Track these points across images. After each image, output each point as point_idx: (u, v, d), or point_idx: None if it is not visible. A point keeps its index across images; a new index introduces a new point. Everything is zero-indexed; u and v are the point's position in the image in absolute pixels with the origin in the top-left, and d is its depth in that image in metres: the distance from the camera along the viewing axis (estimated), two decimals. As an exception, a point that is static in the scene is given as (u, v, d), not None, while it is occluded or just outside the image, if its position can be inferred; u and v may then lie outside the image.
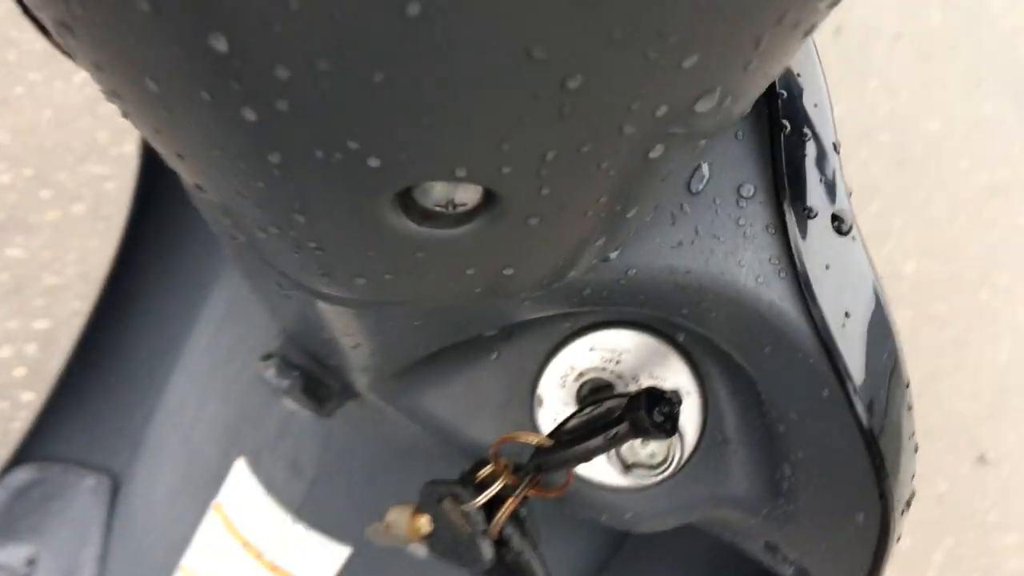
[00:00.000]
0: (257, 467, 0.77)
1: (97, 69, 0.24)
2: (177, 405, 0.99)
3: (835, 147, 0.39)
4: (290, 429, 0.72)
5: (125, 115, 0.27)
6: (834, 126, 0.40)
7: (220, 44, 0.20)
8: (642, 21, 0.19)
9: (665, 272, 0.38)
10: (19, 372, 1.60)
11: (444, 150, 0.23)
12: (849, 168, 0.38)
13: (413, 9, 0.18)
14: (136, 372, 1.11)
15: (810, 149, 0.39)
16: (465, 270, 0.31)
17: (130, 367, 1.11)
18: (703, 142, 0.28)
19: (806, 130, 0.39)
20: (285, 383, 0.49)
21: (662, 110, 0.24)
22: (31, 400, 1.57)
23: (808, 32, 0.24)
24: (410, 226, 0.27)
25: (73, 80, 1.87)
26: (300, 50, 0.19)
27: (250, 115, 0.22)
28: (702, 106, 0.24)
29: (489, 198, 0.27)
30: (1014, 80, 2.58)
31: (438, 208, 0.27)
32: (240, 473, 0.78)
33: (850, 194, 0.39)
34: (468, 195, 0.27)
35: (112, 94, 0.25)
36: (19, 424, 1.55)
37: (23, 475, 1.11)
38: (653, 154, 0.26)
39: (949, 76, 2.52)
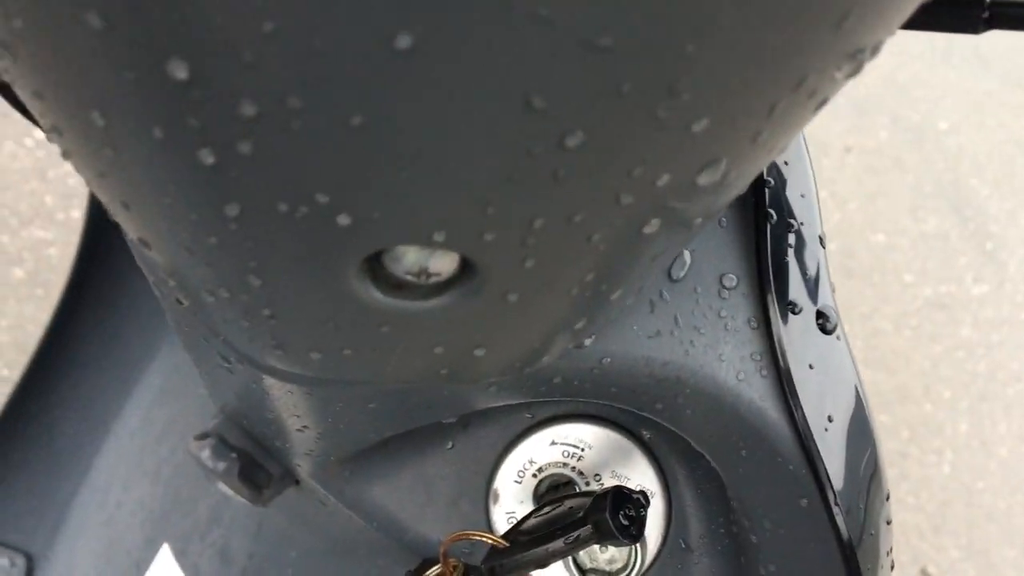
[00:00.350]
0: (183, 555, 0.72)
1: (37, 98, 0.21)
2: (102, 485, 0.94)
3: (821, 240, 0.38)
4: (222, 516, 0.67)
5: (66, 155, 0.24)
6: (820, 218, 0.38)
7: (180, 71, 0.17)
8: (656, 74, 0.18)
9: (641, 363, 0.36)
10: (-64, 441, 1.51)
11: (424, 209, 0.21)
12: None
13: (403, 41, 0.16)
14: (61, 448, 1.05)
15: (796, 241, 0.37)
16: (433, 348, 0.28)
17: (55, 442, 1.05)
18: (698, 221, 0.26)
19: (792, 221, 0.37)
20: (221, 466, 0.45)
21: (664, 179, 0.22)
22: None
23: (821, 105, 0.23)
24: (377, 296, 0.24)
25: (24, 142, 1.83)
26: (271, 82, 0.17)
27: (208, 158, 0.19)
28: (705, 178, 0.22)
29: (466, 268, 0.24)
30: (957, 197, 2.65)
31: (409, 277, 0.24)
32: (164, 560, 0.73)
33: (834, 291, 0.38)
34: (444, 264, 0.24)
35: (53, 129, 0.22)
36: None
37: (-71, 553, 1.04)
38: (648, 229, 0.24)
39: (895, 190, 2.59)
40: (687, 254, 0.36)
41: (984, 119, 2.80)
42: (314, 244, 0.22)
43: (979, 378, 2.34)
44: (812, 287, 0.37)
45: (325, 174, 0.19)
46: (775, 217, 0.37)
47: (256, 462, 0.47)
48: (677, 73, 0.18)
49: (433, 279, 0.24)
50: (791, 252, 0.37)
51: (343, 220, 0.21)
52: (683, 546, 0.46)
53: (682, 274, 0.36)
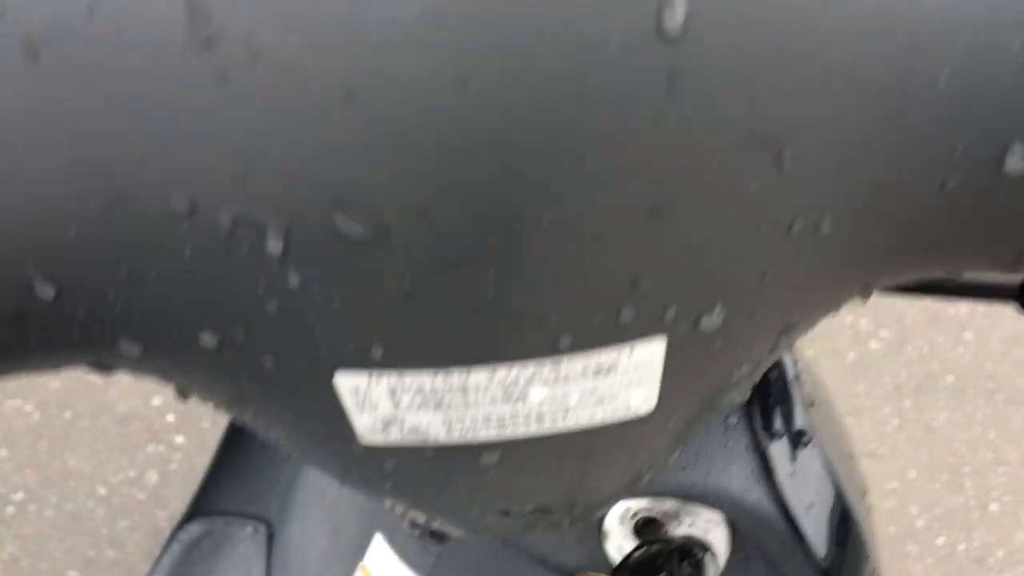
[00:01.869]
0: (392, 541, 0.94)
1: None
2: (319, 474, 1.16)
3: (797, 378, 0.54)
4: (417, 518, 0.88)
5: None
6: (793, 359, 0.54)
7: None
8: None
9: (675, 487, 0.53)
10: (170, 418, 1.80)
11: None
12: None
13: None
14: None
15: (776, 387, 0.53)
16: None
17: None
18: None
19: (772, 374, 0.53)
20: (416, 531, 0.65)
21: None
22: (183, 443, 1.77)
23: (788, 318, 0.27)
24: None
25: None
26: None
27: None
28: (705, 322, 0.25)
29: None
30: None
31: None
32: (379, 545, 0.96)
33: (811, 405, 0.54)
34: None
35: None
36: (175, 465, 1.74)
37: (194, 529, 1.30)
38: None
39: None
40: None
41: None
42: None
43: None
44: (790, 416, 0.53)
45: None
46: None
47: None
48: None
49: None
50: (773, 393, 0.53)
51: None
52: (745, 555, 0.63)
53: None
